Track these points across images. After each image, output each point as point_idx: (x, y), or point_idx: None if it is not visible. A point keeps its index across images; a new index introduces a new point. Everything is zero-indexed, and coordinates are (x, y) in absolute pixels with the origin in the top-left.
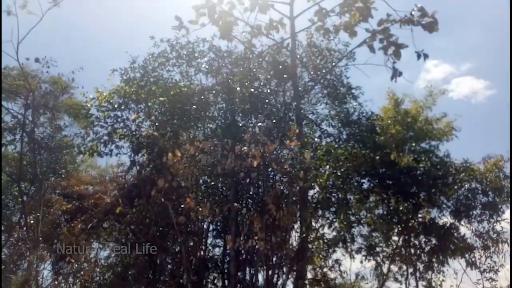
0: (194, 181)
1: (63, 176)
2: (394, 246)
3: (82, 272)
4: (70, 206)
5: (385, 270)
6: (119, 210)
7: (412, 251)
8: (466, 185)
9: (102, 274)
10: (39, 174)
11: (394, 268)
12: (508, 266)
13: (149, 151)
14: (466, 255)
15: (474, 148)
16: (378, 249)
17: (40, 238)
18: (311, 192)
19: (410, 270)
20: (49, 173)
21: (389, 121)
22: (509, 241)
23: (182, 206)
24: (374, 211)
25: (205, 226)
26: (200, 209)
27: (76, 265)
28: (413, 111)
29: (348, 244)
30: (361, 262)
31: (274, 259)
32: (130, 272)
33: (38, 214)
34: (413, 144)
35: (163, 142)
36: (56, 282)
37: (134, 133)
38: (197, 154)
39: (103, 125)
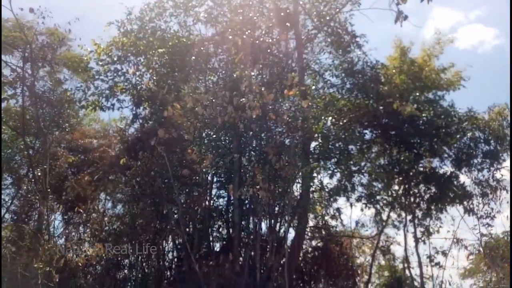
0: (197, 134)
1: (67, 130)
2: (394, 195)
3: (91, 222)
4: (76, 159)
5: (384, 217)
6: (123, 162)
7: (412, 199)
8: (468, 134)
9: (110, 224)
10: (43, 128)
11: (393, 215)
12: (505, 213)
13: (150, 104)
14: (465, 202)
15: (480, 98)
16: (378, 197)
17: (49, 190)
18: (313, 144)
19: (409, 217)
20: (53, 127)
21: (394, 71)
22: (508, 188)
23: (185, 158)
24: (376, 161)
25: (209, 178)
26: (203, 160)
27: (85, 215)
28: (419, 60)
29: (349, 193)
30: (362, 210)
31: (276, 208)
32: (137, 222)
33: (45, 166)
34: (417, 94)
35: (163, 95)
36: (67, 231)
37: (135, 86)
38: (196, 107)
39: (104, 79)
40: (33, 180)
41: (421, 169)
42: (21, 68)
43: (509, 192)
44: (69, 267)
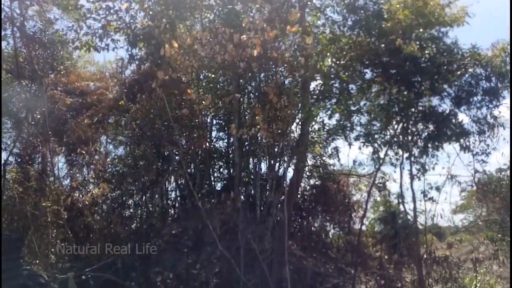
0: (195, 75)
1: (62, 72)
2: (392, 133)
3: (94, 163)
4: (74, 101)
5: (381, 155)
6: (121, 103)
7: (409, 137)
8: (470, 71)
9: (113, 166)
10: (37, 70)
11: (390, 153)
12: (501, 150)
13: (146, 44)
14: (461, 140)
15: (485, 34)
16: (376, 136)
17: (50, 133)
18: (313, 84)
19: (406, 155)
20: (48, 69)
21: (397, 6)
22: (509, 124)
23: (184, 100)
24: (375, 101)
25: (208, 120)
26: (202, 101)
27: (88, 157)
28: None
29: (347, 132)
30: (359, 148)
31: (276, 149)
32: (140, 164)
33: (44, 109)
34: (420, 31)
35: (159, 34)
36: (71, 172)
37: (128, 25)
38: (194, 45)
39: (96, 18)
40: (33, 123)
41: (420, 108)
42: (8, 7)
43: (509, 130)
44: (76, 206)
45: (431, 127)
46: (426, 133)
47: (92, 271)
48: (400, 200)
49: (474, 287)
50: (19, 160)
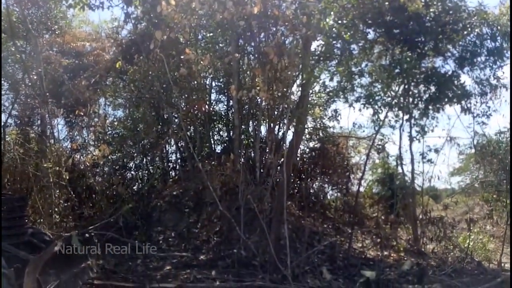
0: (193, 35)
1: (57, 32)
2: (393, 95)
3: (94, 125)
4: (70, 62)
5: (381, 117)
6: (119, 65)
7: (410, 99)
8: (476, 30)
9: (113, 128)
10: (31, 29)
11: (390, 115)
12: (502, 112)
13: (142, 1)
14: (463, 102)
15: None
16: (377, 98)
17: (47, 94)
18: (314, 44)
19: (406, 117)
20: (42, 29)
21: None
22: (508, 86)
23: (182, 61)
24: (377, 62)
25: (208, 82)
26: (201, 61)
27: (87, 119)
28: None
29: (348, 94)
30: (360, 110)
31: (276, 112)
32: (139, 126)
33: (40, 70)
34: None
35: None
36: (71, 134)
37: None
38: (192, 3)
39: None
40: (30, 84)
41: (423, 69)
42: None
43: (508, 90)
44: (78, 168)
45: (432, 88)
46: (427, 95)
47: (95, 229)
48: (399, 162)
49: (467, 245)
50: (18, 122)
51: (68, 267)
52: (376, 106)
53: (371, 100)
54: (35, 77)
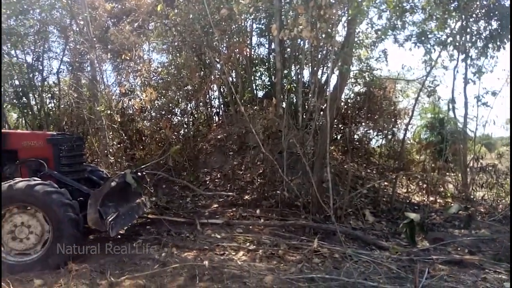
0: None
1: None
2: (449, 33)
3: (139, 70)
4: (114, 7)
5: (434, 57)
6: (160, 8)
7: (468, 37)
8: None
9: (157, 74)
10: None
11: (444, 54)
12: None
13: None
14: None
15: None
16: (430, 36)
17: (94, 39)
18: None
19: (461, 57)
20: None
21: None
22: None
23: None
24: None
25: (248, 25)
26: (241, 0)
27: (133, 64)
28: None
29: (398, 32)
30: (410, 50)
31: (319, 55)
32: (182, 72)
33: (86, 15)
34: None
35: None
36: (118, 79)
37: None
38: None
39: None
40: (77, 30)
41: (484, 2)
42: None
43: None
44: (127, 112)
45: (494, 24)
46: (487, 32)
47: (146, 169)
48: (451, 106)
49: None
50: (70, 68)
51: (125, 202)
52: (429, 45)
53: (423, 38)
54: (81, 23)
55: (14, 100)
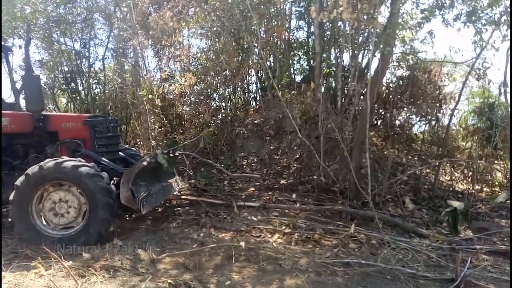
0: None
1: None
2: (502, 10)
3: (179, 55)
4: None
5: (485, 37)
6: None
7: None
8: None
9: (196, 59)
10: None
11: (496, 34)
12: None
13: None
14: None
15: None
16: (481, 14)
17: (137, 26)
18: None
19: None
20: None
21: None
22: None
23: None
24: None
25: (287, 8)
26: None
27: (173, 49)
28: None
29: (446, 11)
30: (458, 30)
31: (360, 38)
32: (221, 57)
33: (129, 2)
34: None
35: None
36: (159, 64)
37: None
38: None
39: None
40: (121, 16)
41: None
42: None
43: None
44: (167, 97)
45: None
46: None
47: (180, 149)
48: (502, 90)
49: None
50: (114, 54)
51: (157, 181)
52: (480, 25)
53: (474, 17)
54: (125, 10)
55: (64, 86)
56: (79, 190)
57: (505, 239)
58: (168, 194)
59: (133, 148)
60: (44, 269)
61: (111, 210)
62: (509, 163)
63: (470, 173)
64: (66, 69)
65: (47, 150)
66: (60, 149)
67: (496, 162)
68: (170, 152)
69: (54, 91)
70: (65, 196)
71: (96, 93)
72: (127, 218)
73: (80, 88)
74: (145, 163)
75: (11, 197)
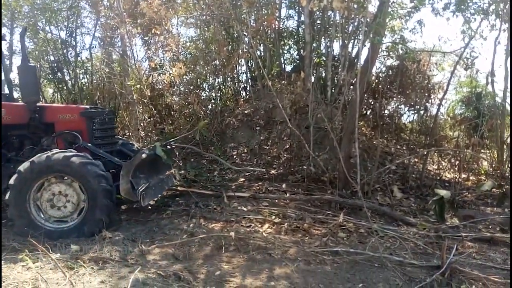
0: None
1: None
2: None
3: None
4: None
5: (474, 27)
6: None
7: None
8: None
9: (185, 48)
10: None
11: (484, 24)
12: None
13: None
14: None
15: None
16: (470, 3)
17: (124, 14)
18: None
19: (504, 27)
20: None
21: None
22: None
23: None
24: None
25: None
26: None
27: (162, 39)
28: None
29: (436, 0)
30: (448, 19)
31: (351, 27)
32: (210, 47)
33: None
34: None
35: None
36: (148, 53)
37: None
38: None
39: None
40: (108, 4)
41: None
42: None
43: None
44: (156, 87)
45: None
46: None
47: (175, 142)
48: (490, 79)
49: None
50: (102, 43)
51: (155, 173)
52: (469, 14)
53: (463, 6)
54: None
55: (50, 76)
56: (81, 187)
57: (490, 227)
58: (167, 186)
59: (133, 143)
60: (32, 262)
61: (108, 212)
62: (495, 152)
63: (457, 162)
64: (52, 58)
65: (43, 142)
66: (56, 141)
67: (482, 151)
68: (168, 144)
69: (40, 81)
70: (66, 190)
71: (84, 83)
72: (116, 210)
73: (67, 78)
74: (144, 155)
75: (11, 181)
